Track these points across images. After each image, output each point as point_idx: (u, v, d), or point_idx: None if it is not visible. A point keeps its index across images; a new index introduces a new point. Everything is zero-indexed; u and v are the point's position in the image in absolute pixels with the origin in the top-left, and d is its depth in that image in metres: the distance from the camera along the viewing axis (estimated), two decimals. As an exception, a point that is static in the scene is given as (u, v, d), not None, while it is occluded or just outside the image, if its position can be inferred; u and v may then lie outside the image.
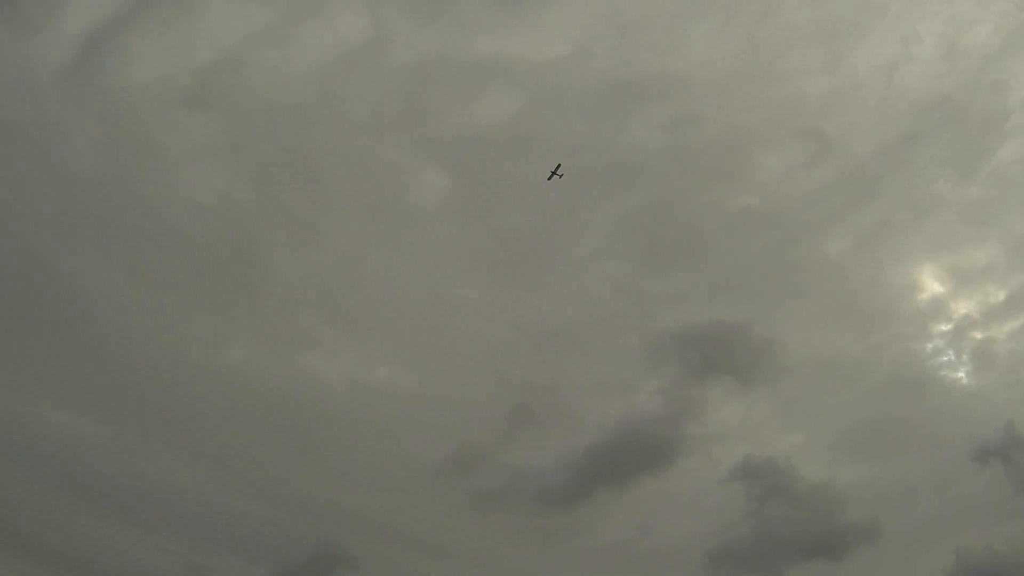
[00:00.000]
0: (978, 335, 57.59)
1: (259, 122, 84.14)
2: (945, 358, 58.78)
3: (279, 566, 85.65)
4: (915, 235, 66.64)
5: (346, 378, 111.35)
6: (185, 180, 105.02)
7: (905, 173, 69.45)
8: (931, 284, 61.14)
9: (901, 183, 69.04)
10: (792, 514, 56.22)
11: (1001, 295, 58.43)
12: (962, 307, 58.66)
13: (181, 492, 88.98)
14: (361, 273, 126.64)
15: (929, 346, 58.83)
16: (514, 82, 78.95)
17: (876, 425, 58.30)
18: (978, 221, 63.10)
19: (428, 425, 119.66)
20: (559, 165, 56.81)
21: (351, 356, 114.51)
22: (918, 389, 59.17)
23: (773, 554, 52.76)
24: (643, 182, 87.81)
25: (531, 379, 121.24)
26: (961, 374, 58.16)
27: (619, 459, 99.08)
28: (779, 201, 76.19)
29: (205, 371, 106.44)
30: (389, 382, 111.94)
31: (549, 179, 57.19)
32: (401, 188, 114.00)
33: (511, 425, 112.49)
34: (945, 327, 59.12)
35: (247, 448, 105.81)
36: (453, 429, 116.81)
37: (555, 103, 78.65)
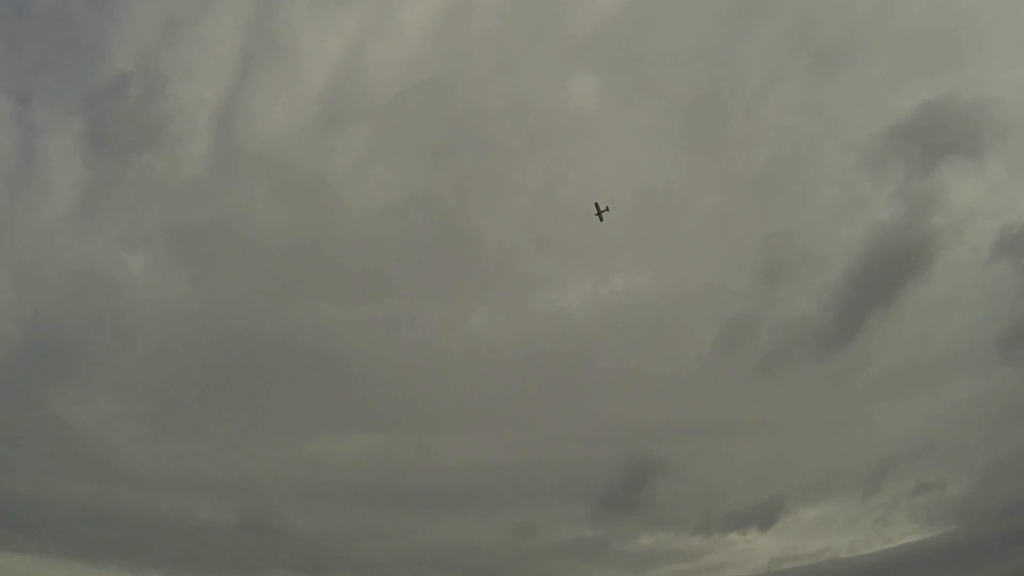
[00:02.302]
0: None
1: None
2: None
3: (599, 492, 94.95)
4: None
5: (586, 302, 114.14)
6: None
7: None
8: None
9: None
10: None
11: None
12: None
13: (478, 467, 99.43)
14: (556, 199, 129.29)
15: None
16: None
17: None
18: None
19: (687, 314, 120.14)
20: (607, 208, 58.87)
21: (582, 279, 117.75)
22: None
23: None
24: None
25: (767, 233, 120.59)
26: None
27: (877, 278, 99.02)
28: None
29: (449, 350, 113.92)
30: (627, 289, 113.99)
31: (599, 216, 58.47)
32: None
33: (768, 285, 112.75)
34: None
35: (530, 409, 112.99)
36: (714, 309, 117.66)
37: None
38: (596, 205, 57.12)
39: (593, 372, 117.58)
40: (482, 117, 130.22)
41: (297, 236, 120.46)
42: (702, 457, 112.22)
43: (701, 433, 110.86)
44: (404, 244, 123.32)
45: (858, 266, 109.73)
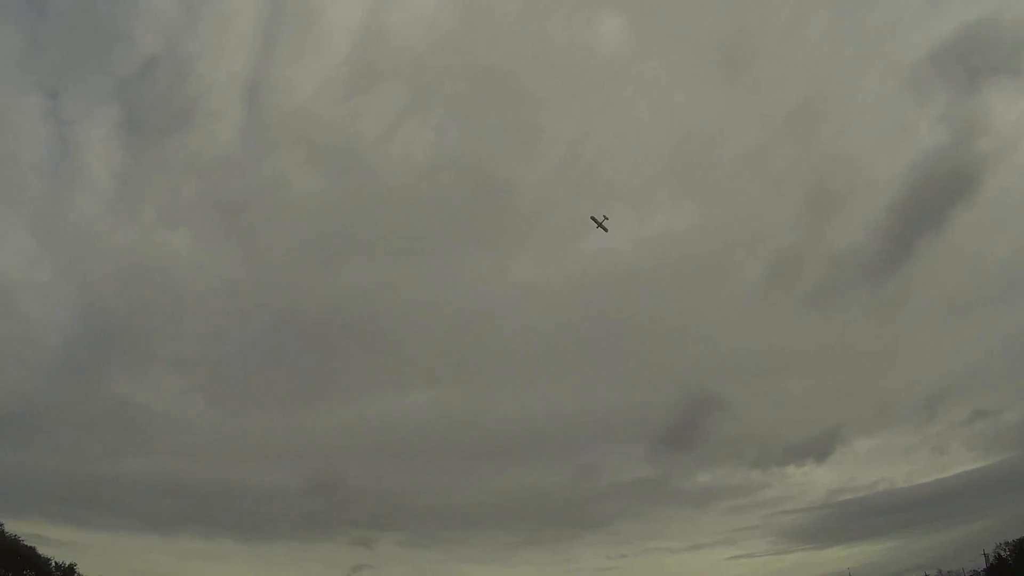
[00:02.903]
0: None
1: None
2: None
3: (657, 433, 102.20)
4: None
5: (630, 244, 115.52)
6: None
7: None
8: None
9: None
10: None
11: None
12: None
13: (536, 415, 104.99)
14: (592, 144, 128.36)
15: None
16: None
17: None
18: None
19: (733, 251, 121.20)
20: (605, 217, 58.66)
21: (624, 221, 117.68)
22: None
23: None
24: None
25: (810, 166, 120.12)
26: None
27: (924, 205, 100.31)
28: None
29: (497, 300, 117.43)
30: (670, 229, 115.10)
31: (603, 228, 58.38)
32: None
33: (813, 217, 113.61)
34: None
35: (582, 354, 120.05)
36: (760, 244, 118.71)
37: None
38: (593, 218, 58.15)
39: (642, 313, 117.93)
40: (509, 68, 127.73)
41: (335, 201, 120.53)
42: (756, 393, 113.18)
43: (754, 369, 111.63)
44: (442, 200, 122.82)
45: (904, 194, 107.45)
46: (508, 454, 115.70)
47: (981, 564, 53.81)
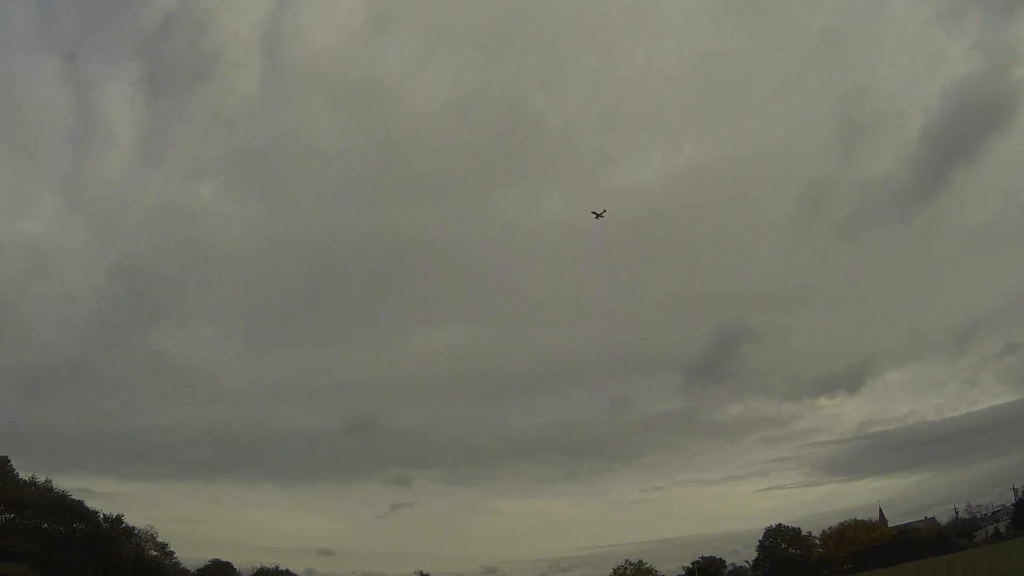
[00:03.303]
0: None
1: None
2: None
3: (689, 365, 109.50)
4: None
5: (658, 175, 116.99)
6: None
7: None
8: None
9: None
10: None
11: None
12: None
13: (570, 348, 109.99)
14: (616, 75, 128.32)
15: None
16: None
17: None
18: None
19: (762, 181, 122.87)
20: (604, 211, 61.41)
21: (652, 153, 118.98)
22: None
23: None
24: None
25: (840, 93, 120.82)
26: None
27: (958, 134, 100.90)
28: None
29: (529, 235, 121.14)
30: (698, 159, 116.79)
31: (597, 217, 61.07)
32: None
33: (844, 146, 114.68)
34: None
35: (614, 286, 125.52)
36: (789, 173, 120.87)
37: None
38: (594, 212, 60.48)
39: (673, 245, 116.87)
40: (530, 1, 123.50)
41: (361, 142, 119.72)
42: (788, 324, 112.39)
43: (786, 300, 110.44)
44: (468, 137, 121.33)
45: (937, 122, 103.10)
46: (542, 389, 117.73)
47: (1010, 499, 53.63)
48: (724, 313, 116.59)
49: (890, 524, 61.29)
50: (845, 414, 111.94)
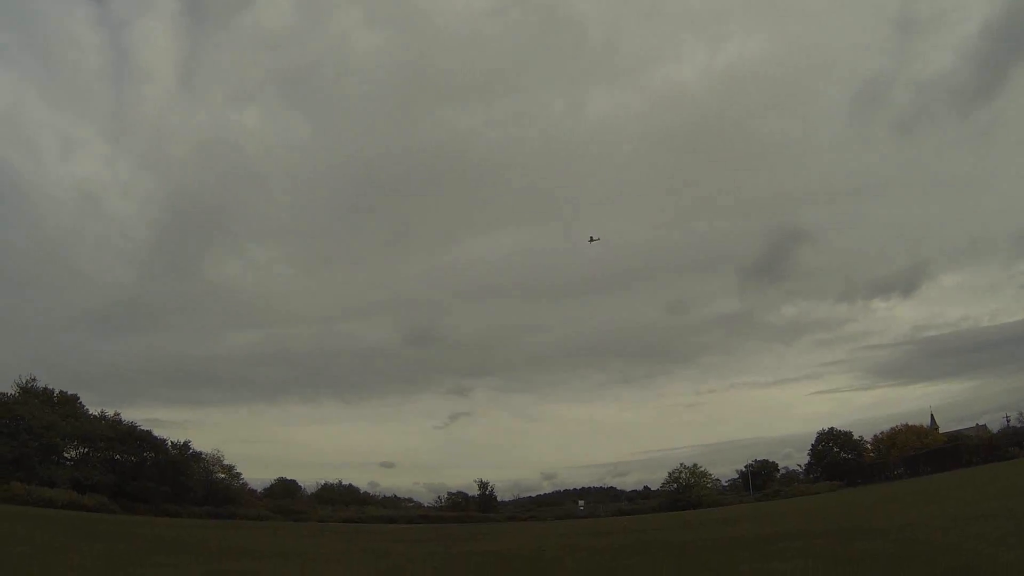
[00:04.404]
0: None
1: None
2: None
3: (743, 266, 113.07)
4: None
5: (703, 73, 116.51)
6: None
7: None
8: None
9: None
10: None
11: None
12: None
13: (624, 250, 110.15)
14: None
15: None
16: None
17: None
18: None
19: (814, 77, 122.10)
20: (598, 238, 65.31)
21: (695, 50, 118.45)
22: None
23: None
24: None
25: None
26: None
27: (1020, 28, 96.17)
28: None
29: (575, 137, 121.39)
30: (743, 56, 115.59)
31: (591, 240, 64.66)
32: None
33: (902, 41, 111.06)
34: None
35: (665, 187, 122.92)
36: (843, 69, 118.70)
37: None
38: (591, 237, 63.76)
39: (722, 145, 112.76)
40: None
41: (400, 54, 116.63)
42: (843, 224, 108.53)
43: (840, 199, 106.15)
44: (508, 41, 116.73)
45: (999, 16, 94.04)
46: (596, 292, 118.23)
47: (1063, 407, 51.80)
48: (778, 210, 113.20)
49: (941, 430, 60.47)
50: (898, 317, 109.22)
